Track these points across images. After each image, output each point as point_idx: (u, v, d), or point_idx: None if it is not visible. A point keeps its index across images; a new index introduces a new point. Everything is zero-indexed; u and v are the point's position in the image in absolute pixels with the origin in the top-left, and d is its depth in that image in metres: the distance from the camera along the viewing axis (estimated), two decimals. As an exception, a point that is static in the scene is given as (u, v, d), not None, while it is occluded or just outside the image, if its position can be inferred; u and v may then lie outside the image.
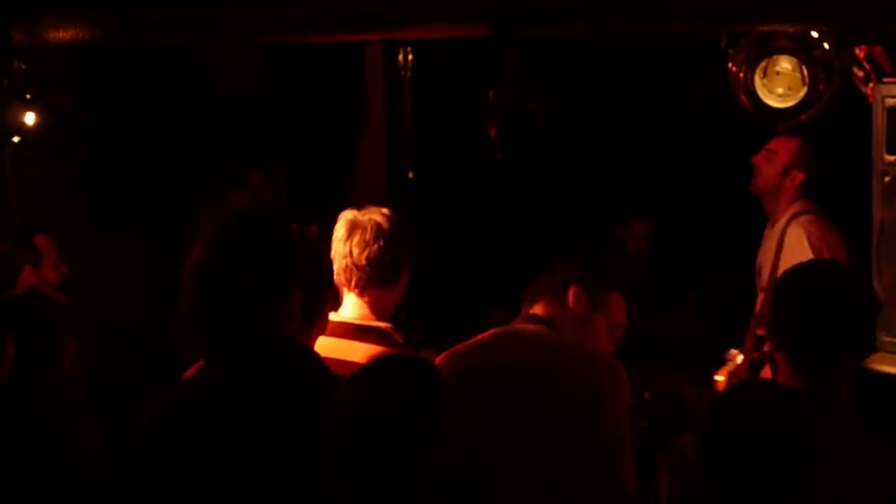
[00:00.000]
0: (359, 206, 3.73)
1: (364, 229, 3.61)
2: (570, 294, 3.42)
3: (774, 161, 5.10)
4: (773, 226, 5.13)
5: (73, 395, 3.75)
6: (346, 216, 3.67)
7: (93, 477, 3.47)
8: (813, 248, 4.88)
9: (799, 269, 3.13)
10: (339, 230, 3.65)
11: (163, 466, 2.76)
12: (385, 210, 3.69)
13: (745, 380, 2.70)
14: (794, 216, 5.03)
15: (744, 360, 4.83)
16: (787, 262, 4.77)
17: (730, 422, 2.55)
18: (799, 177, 5.06)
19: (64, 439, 3.53)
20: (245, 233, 2.87)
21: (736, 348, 4.92)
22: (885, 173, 4.40)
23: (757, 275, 5.19)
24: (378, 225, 3.61)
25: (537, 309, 3.45)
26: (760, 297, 5.08)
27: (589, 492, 3.13)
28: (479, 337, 3.45)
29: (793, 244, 4.95)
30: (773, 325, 2.98)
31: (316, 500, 2.64)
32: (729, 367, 4.78)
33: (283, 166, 6.65)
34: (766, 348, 4.67)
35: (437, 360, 3.35)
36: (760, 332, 4.83)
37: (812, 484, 2.52)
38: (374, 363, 2.72)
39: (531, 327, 3.40)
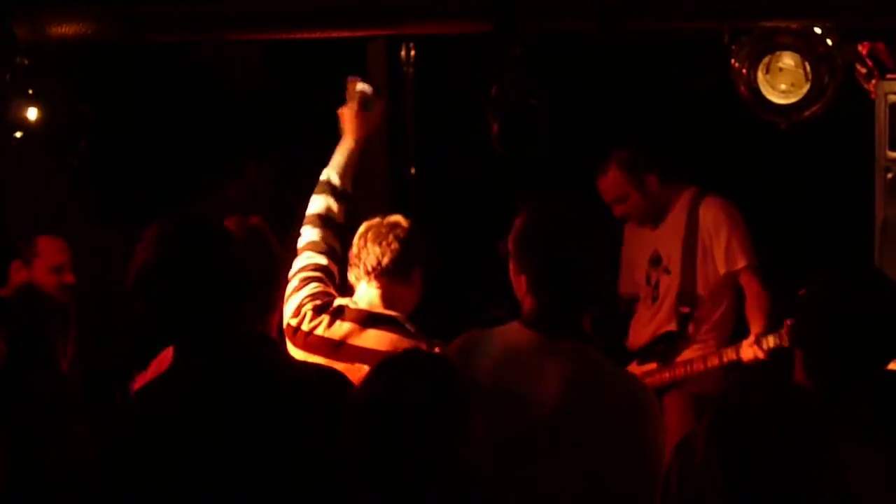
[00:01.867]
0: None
1: (381, 226, 3.83)
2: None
3: (624, 199, 5.18)
4: (660, 220, 5.19)
5: (71, 393, 3.74)
6: (368, 221, 3.87)
7: (86, 476, 3.46)
8: (733, 216, 5.04)
9: (828, 274, 3.06)
10: (360, 229, 3.87)
11: (142, 474, 2.73)
12: (402, 218, 3.89)
13: (755, 376, 2.67)
14: (692, 201, 5.12)
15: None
16: (711, 239, 5.04)
17: (737, 418, 2.53)
18: (651, 179, 5.15)
19: (58, 438, 3.52)
20: (183, 237, 2.86)
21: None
22: (887, 170, 4.40)
23: (650, 265, 5.24)
24: (393, 224, 3.83)
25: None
26: (665, 281, 5.17)
27: None
28: (508, 337, 3.23)
29: (713, 222, 5.04)
30: (797, 330, 2.96)
31: (304, 496, 2.66)
32: None
33: (277, 155, 6.62)
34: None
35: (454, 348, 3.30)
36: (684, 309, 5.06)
37: (821, 483, 2.51)
38: (400, 358, 2.71)
39: (563, 343, 3.13)
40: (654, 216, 5.21)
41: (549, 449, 2.99)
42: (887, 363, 2.96)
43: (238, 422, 2.73)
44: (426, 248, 3.87)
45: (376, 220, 3.86)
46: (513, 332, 3.19)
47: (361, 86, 4.14)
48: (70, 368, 3.84)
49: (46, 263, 4.77)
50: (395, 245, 3.78)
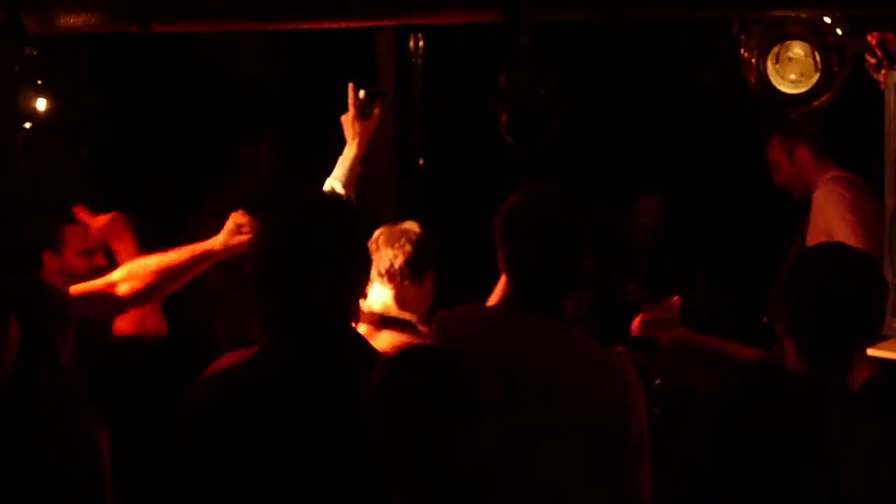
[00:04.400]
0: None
1: (392, 230, 3.94)
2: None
3: (777, 168, 5.25)
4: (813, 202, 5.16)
5: (72, 383, 3.74)
6: (381, 227, 3.96)
7: (86, 467, 3.45)
8: (839, 208, 4.95)
9: (807, 253, 3.12)
10: (374, 234, 3.94)
11: (217, 453, 2.77)
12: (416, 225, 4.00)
13: (754, 365, 2.68)
14: (824, 184, 5.09)
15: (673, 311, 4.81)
16: (813, 228, 4.99)
17: (735, 407, 2.54)
18: (802, 151, 5.15)
19: (58, 429, 3.52)
20: (317, 221, 2.83)
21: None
22: (896, 160, 4.38)
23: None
24: (407, 228, 3.95)
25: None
26: None
27: (598, 497, 3.07)
28: (488, 319, 3.37)
29: (816, 209, 5.02)
30: (780, 310, 2.97)
31: (367, 490, 2.66)
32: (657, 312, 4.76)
33: (273, 138, 6.60)
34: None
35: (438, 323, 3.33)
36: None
37: (818, 470, 2.51)
38: (404, 353, 2.73)
39: (544, 320, 3.24)
40: (803, 192, 5.19)
41: (524, 423, 3.03)
42: (869, 339, 2.99)
43: (311, 410, 2.74)
44: (438, 253, 3.97)
45: (389, 225, 3.95)
46: (495, 310, 3.25)
47: (361, 93, 4.18)
48: (70, 360, 3.84)
49: (75, 249, 4.80)
50: (407, 247, 3.87)
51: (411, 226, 3.95)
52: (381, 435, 2.56)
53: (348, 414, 2.68)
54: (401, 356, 2.69)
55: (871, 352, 4.01)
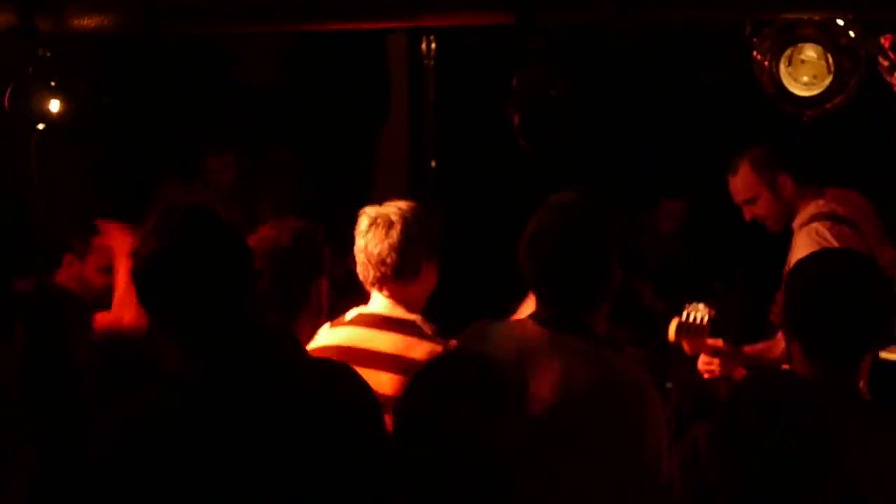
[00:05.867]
0: (381, 200, 3.77)
1: (378, 225, 3.66)
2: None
3: (754, 201, 4.95)
4: (795, 231, 5.03)
5: (89, 386, 3.74)
6: (367, 211, 3.70)
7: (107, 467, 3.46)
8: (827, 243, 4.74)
9: (813, 257, 3.10)
10: (361, 225, 3.70)
11: (146, 472, 2.68)
12: (403, 204, 3.72)
13: (763, 370, 2.67)
14: (808, 221, 4.85)
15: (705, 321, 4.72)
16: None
17: (745, 413, 2.53)
18: (784, 179, 4.90)
19: (79, 429, 3.53)
20: (188, 227, 2.76)
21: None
22: (909, 162, 4.38)
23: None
24: (391, 222, 3.66)
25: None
26: None
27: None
28: (521, 331, 3.28)
29: (797, 252, 4.76)
30: (787, 315, 2.96)
31: (309, 494, 2.63)
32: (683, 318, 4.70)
33: (232, 154, 6.50)
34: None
35: (470, 335, 3.30)
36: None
37: (827, 475, 2.50)
38: (439, 363, 2.71)
39: (572, 338, 3.17)
40: (781, 221, 4.94)
41: (548, 442, 2.98)
42: (878, 342, 2.97)
43: (235, 421, 2.67)
44: (431, 234, 3.71)
45: (372, 216, 3.69)
46: (521, 325, 3.21)
47: None
48: (86, 361, 3.84)
49: (97, 264, 4.81)
50: (394, 248, 3.64)
51: (396, 217, 3.66)
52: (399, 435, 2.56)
53: (273, 420, 2.65)
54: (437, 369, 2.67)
55: (883, 355, 4.01)
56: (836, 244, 4.67)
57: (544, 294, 3.18)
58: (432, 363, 2.73)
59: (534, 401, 2.99)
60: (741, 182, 4.96)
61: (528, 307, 3.62)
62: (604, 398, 3.06)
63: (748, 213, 5.00)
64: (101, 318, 4.59)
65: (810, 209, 4.87)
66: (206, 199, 5.87)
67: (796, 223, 4.89)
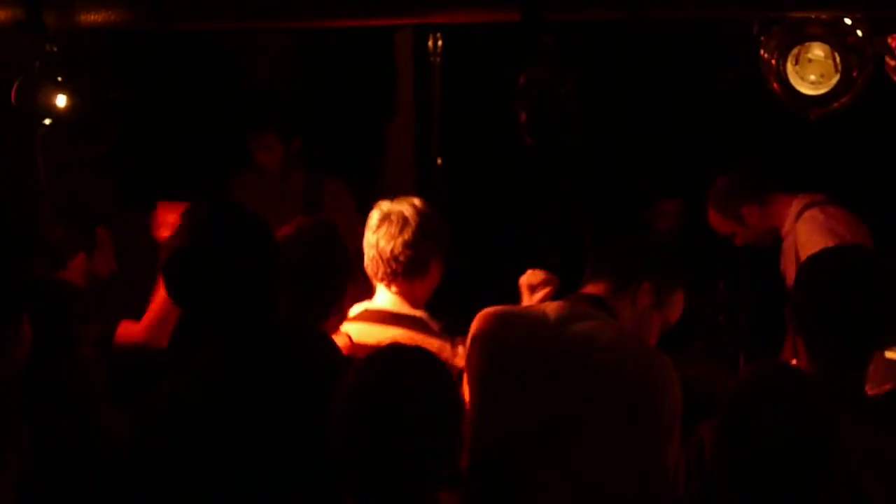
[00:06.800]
0: (387, 197, 3.76)
1: (391, 222, 3.67)
2: (640, 289, 3.29)
3: (734, 235, 5.17)
4: (784, 237, 5.10)
5: (94, 379, 3.75)
6: (380, 206, 3.72)
7: (117, 461, 3.47)
8: (829, 232, 4.85)
9: (823, 253, 3.10)
10: (372, 219, 3.70)
11: (168, 462, 2.74)
12: (417, 202, 3.73)
13: (768, 366, 2.66)
14: (797, 216, 5.01)
15: None
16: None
17: (750, 409, 2.53)
18: (749, 210, 5.10)
19: (86, 423, 3.54)
20: (217, 222, 2.83)
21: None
22: (917, 161, 4.37)
23: (784, 279, 5.14)
24: (405, 218, 3.67)
25: (598, 289, 3.31)
26: None
27: (631, 489, 3.06)
28: (534, 308, 3.33)
29: (805, 241, 4.90)
30: (794, 310, 2.96)
31: (324, 487, 2.64)
32: None
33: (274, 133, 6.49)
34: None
35: (481, 319, 3.28)
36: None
37: (832, 472, 2.50)
38: (383, 352, 2.65)
39: (590, 311, 3.22)
40: (769, 238, 5.14)
41: (564, 403, 3.08)
42: (883, 340, 2.96)
43: (255, 414, 2.72)
44: (444, 239, 3.73)
45: (384, 212, 3.70)
46: (537, 305, 3.22)
47: None
48: (92, 355, 3.85)
49: (106, 255, 4.83)
50: (408, 245, 3.64)
51: (404, 212, 3.67)
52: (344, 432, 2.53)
53: (296, 410, 2.70)
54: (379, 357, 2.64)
55: (889, 354, 4.00)
56: (832, 223, 4.85)
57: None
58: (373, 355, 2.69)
59: (556, 366, 3.07)
60: (715, 224, 5.22)
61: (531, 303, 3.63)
62: (627, 356, 3.11)
63: (738, 242, 5.22)
64: (127, 330, 4.60)
65: (792, 210, 5.04)
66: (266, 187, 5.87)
67: (785, 228, 5.05)
